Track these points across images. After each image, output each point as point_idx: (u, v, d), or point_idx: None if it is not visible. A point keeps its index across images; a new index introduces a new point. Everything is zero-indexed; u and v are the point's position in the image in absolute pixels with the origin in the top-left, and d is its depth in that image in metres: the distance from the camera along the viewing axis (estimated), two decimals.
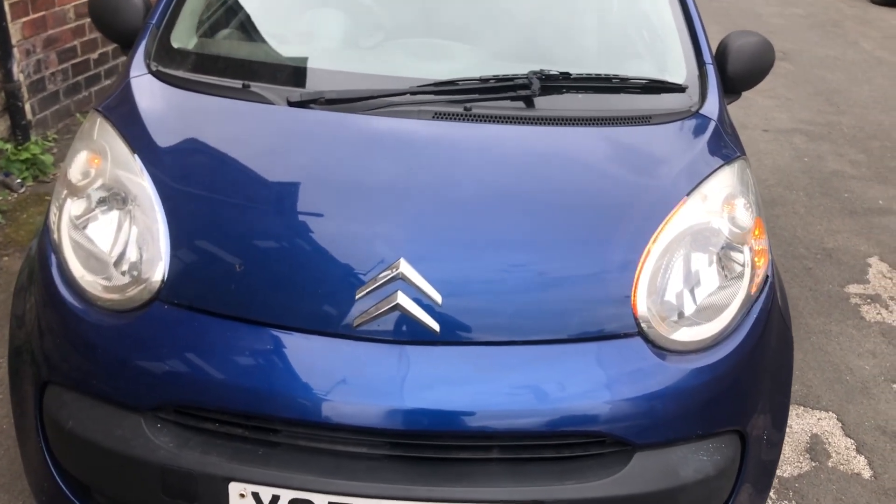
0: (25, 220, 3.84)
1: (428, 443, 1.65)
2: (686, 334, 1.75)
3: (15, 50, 4.14)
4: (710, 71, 2.29)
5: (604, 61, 2.41)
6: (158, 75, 2.16)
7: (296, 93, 2.03)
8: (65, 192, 1.91)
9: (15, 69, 4.13)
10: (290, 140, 1.96)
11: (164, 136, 1.95)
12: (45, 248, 1.91)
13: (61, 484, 1.82)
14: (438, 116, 2.00)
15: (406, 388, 1.63)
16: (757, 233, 1.90)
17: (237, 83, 2.08)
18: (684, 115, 2.14)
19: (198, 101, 2.06)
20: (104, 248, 1.81)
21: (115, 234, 1.82)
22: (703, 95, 2.22)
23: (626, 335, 1.73)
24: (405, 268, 1.68)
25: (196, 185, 1.85)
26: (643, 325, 1.73)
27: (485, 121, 2.01)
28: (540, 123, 2.04)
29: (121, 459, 1.68)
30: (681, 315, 1.76)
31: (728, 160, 2.04)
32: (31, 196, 4.08)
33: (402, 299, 1.67)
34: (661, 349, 1.74)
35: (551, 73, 2.11)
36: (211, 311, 1.73)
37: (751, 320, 1.83)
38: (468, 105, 2.02)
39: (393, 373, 1.64)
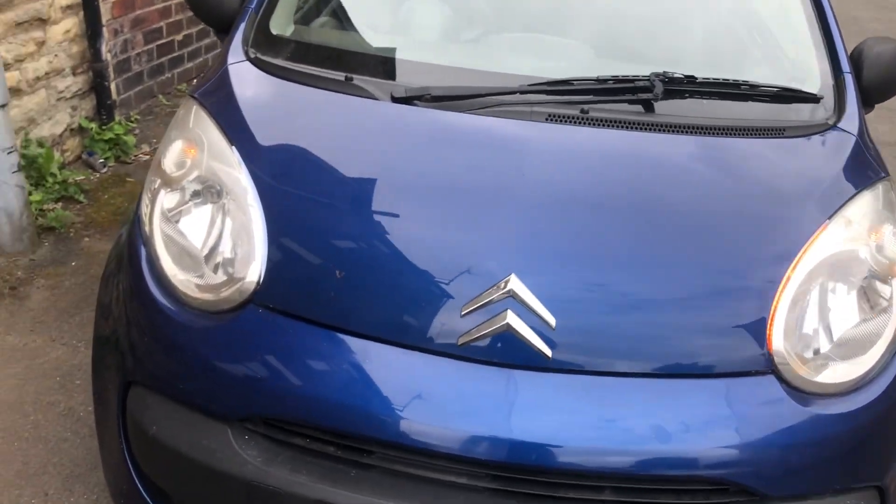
0: (107, 202, 3.82)
1: (534, 478, 1.51)
2: (826, 375, 1.58)
3: (104, 29, 4.12)
4: (849, 80, 2.09)
5: (728, 65, 2.22)
6: (257, 63, 2.06)
7: (399, 88, 1.91)
8: (158, 182, 1.83)
9: (103, 49, 4.11)
10: (395, 139, 1.83)
11: (263, 128, 1.85)
12: (134, 240, 1.83)
13: (141, 489, 1.74)
14: (552, 119, 1.86)
15: (513, 417, 1.49)
16: None
17: (339, 75, 1.97)
18: (821, 128, 1.96)
19: (297, 92, 1.96)
20: (197, 243, 1.72)
21: (208, 230, 1.73)
22: (840, 107, 2.02)
23: (759, 373, 1.56)
24: (516, 284, 1.54)
25: (295, 183, 1.74)
26: (778, 362, 1.56)
27: (603, 125, 1.85)
28: (662, 131, 1.87)
29: (205, 471, 1.59)
30: (820, 353, 1.58)
31: (872, 181, 1.84)
32: (113, 177, 4.07)
33: (513, 319, 1.53)
34: (797, 390, 1.56)
35: (675, 75, 1.94)
36: (306, 318, 1.62)
37: None
38: (585, 108, 1.87)
39: (499, 399, 1.51)
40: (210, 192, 1.77)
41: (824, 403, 1.57)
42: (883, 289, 1.66)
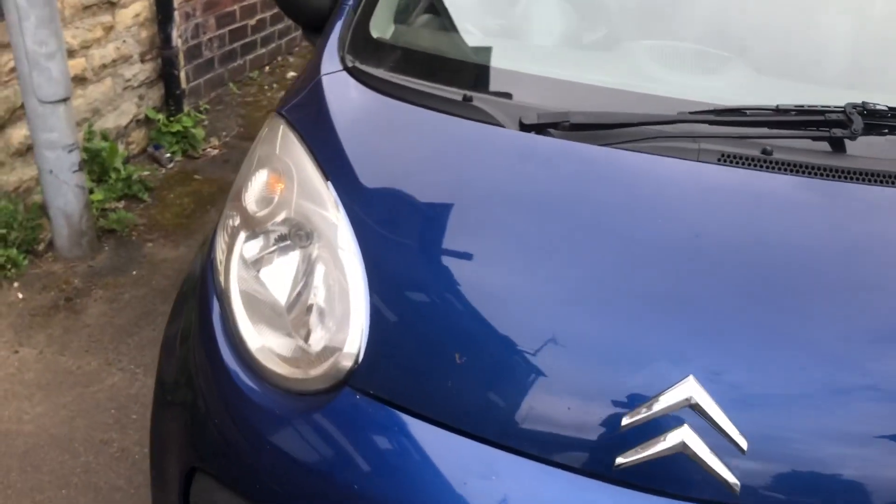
0: (172, 201, 3.55)
1: None
2: None
3: (175, 13, 3.84)
4: None
5: None
6: (355, 73, 1.71)
7: (529, 112, 1.54)
8: (236, 219, 1.50)
9: (174, 34, 3.83)
10: (529, 182, 1.46)
11: (366, 161, 1.51)
12: (206, 289, 1.51)
13: None
14: (725, 160, 1.47)
15: None
16: None
17: (454, 93, 1.61)
18: None
19: (406, 115, 1.60)
20: (283, 304, 1.39)
21: (297, 288, 1.40)
22: None
23: None
24: (696, 391, 1.17)
25: (407, 234, 1.40)
26: None
27: (789, 171, 1.46)
28: (866, 180, 1.47)
29: None
30: None
31: None
32: (179, 173, 3.80)
33: (689, 438, 1.16)
34: None
35: (878, 107, 1.54)
36: (416, 412, 1.28)
37: None
38: (768, 147, 1.48)
39: None
40: (299, 236, 1.44)
41: None
42: None
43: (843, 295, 1.30)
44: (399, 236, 1.40)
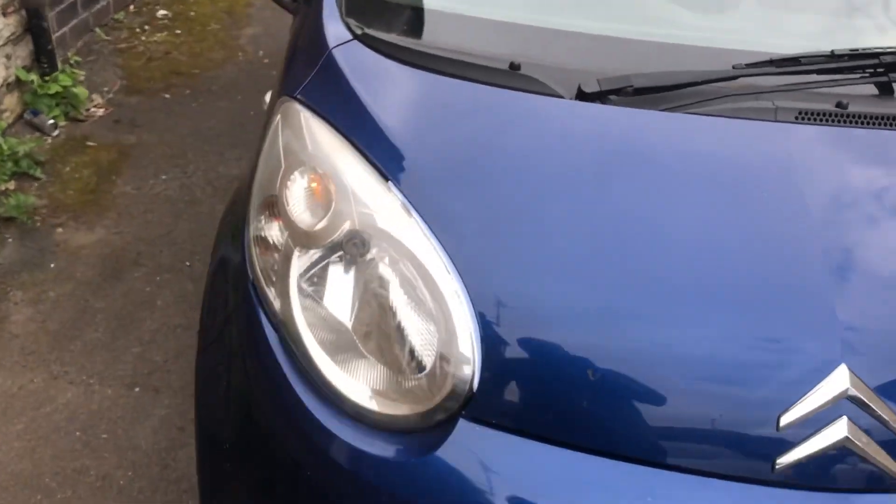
0: (70, 175, 3.14)
1: None
2: None
3: None
4: None
5: None
6: (369, 42, 1.49)
7: (588, 78, 1.39)
8: (281, 235, 1.29)
9: None
10: (616, 163, 1.32)
11: (423, 152, 1.32)
12: (253, 319, 1.29)
13: None
14: (804, 118, 1.39)
15: None
16: None
17: (495, 61, 1.43)
18: None
19: (449, 90, 1.41)
20: (365, 329, 1.21)
21: (373, 309, 1.22)
22: None
23: None
24: (851, 381, 1.12)
25: (499, 233, 1.23)
26: None
27: (870, 124, 1.40)
28: None
29: None
30: None
31: None
32: (68, 141, 3.36)
33: (852, 431, 1.11)
34: None
35: None
36: (546, 437, 1.16)
37: None
38: (843, 101, 1.41)
39: None
40: (361, 250, 1.25)
41: None
42: None
43: None
44: (490, 238, 1.23)
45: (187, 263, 2.78)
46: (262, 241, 1.33)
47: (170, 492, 2.02)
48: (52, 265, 2.69)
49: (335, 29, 1.52)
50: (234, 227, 1.54)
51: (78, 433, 2.14)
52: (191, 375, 2.18)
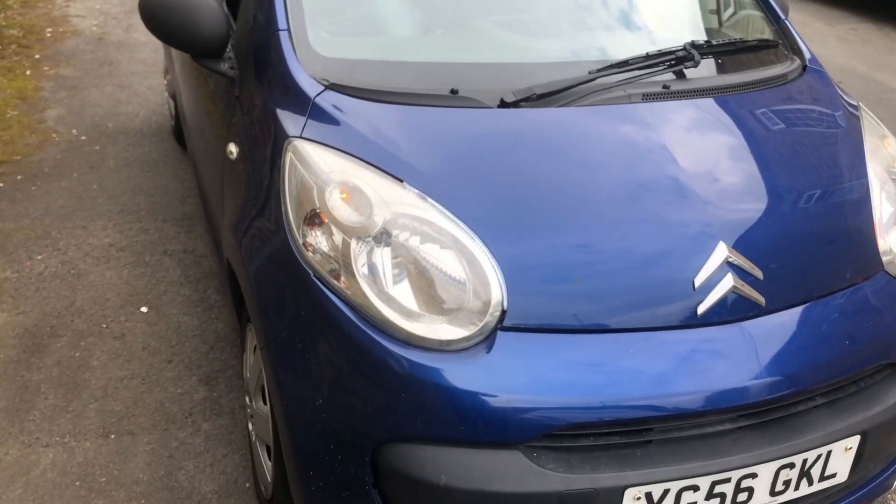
0: None
1: (777, 405, 1.80)
2: None
3: None
4: (790, 26, 2.57)
5: (697, 31, 2.58)
6: (337, 89, 1.96)
7: (502, 93, 1.97)
8: (335, 237, 1.72)
9: None
10: (550, 144, 1.91)
11: (416, 158, 1.82)
12: (326, 302, 1.70)
13: None
14: (648, 98, 2.07)
15: (761, 362, 1.75)
16: None
17: (438, 89, 1.97)
18: (802, 70, 2.41)
19: (412, 113, 1.92)
20: (427, 287, 1.69)
21: (427, 272, 1.70)
22: (798, 50, 2.49)
23: (877, 272, 1.99)
24: (728, 250, 1.79)
25: (494, 206, 1.77)
26: (885, 259, 2.00)
27: (682, 97, 2.11)
28: (717, 93, 2.18)
29: (515, 499, 1.64)
30: None
31: (856, 103, 2.36)
32: None
33: (736, 281, 1.78)
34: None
35: (699, 42, 2.25)
36: (556, 329, 1.71)
37: None
38: (666, 83, 2.11)
39: (747, 351, 1.75)
40: (404, 231, 1.72)
41: None
42: None
43: (767, 161, 2.01)
44: (484, 201, 1.77)
45: (104, 325, 2.97)
46: (311, 246, 1.75)
47: None
48: None
49: (308, 83, 1.97)
50: (251, 251, 1.94)
51: (77, 483, 2.33)
52: (159, 415, 2.52)
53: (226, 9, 2.55)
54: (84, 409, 2.59)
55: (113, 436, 2.49)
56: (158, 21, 2.16)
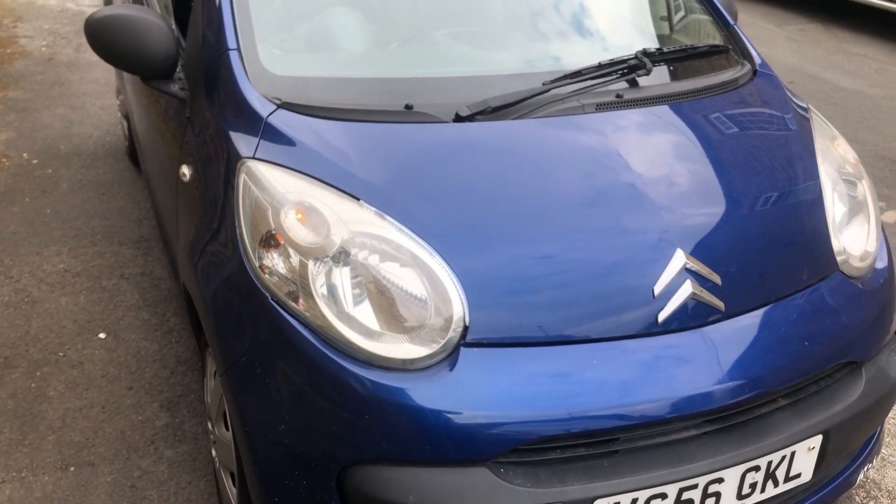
0: None
1: (740, 409, 1.81)
2: (866, 259, 2.08)
3: None
4: (739, 31, 2.60)
5: (648, 38, 2.60)
6: (290, 108, 1.94)
7: (460, 107, 1.96)
8: (292, 259, 1.69)
9: None
10: (509, 156, 1.91)
11: (372, 175, 1.80)
12: (284, 325, 1.68)
13: None
14: (602, 108, 2.07)
15: (723, 367, 1.76)
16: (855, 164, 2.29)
17: (395, 105, 1.95)
18: (752, 75, 2.44)
19: (367, 130, 1.91)
20: (386, 306, 1.67)
21: (389, 290, 1.68)
22: (748, 55, 2.52)
23: (832, 272, 2.02)
24: (686, 257, 1.79)
25: (453, 219, 1.76)
26: (840, 258, 2.03)
27: (636, 105, 2.12)
28: (668, 100, 2.19)
29: None
30: (860, 243, 2.09)
31: (806, 105, 2.39)
32: None
33: (695, 287, 1.78)
34: (851, 277, 2.05)
35: (650, 50, 2.26)
36: (518, 343, 1.70)
37: (882, 238, 2.22)
38: (620, 93, 2.12)
39: (708, 356, 1.76)
40: (363, 250, 1.70)
41: (868, 280, 2.08)
42: (860, 186, 2.21)
43: (722, 168, 2.02)
44: (441, 215, 1.76)
45: (61, 354, 2.90)
46: (268, 268, 1.72)
47: None
48: None
49: (260, 102, 1.94)
50: (207, 275, 1.90)
51: None
52: (120, 444, 2.47)
53: (175, 28, 2.51)
54: (41, 441, 2.52)
55: (72, 468, 2.43)
56: (104, 42, 2.12)
